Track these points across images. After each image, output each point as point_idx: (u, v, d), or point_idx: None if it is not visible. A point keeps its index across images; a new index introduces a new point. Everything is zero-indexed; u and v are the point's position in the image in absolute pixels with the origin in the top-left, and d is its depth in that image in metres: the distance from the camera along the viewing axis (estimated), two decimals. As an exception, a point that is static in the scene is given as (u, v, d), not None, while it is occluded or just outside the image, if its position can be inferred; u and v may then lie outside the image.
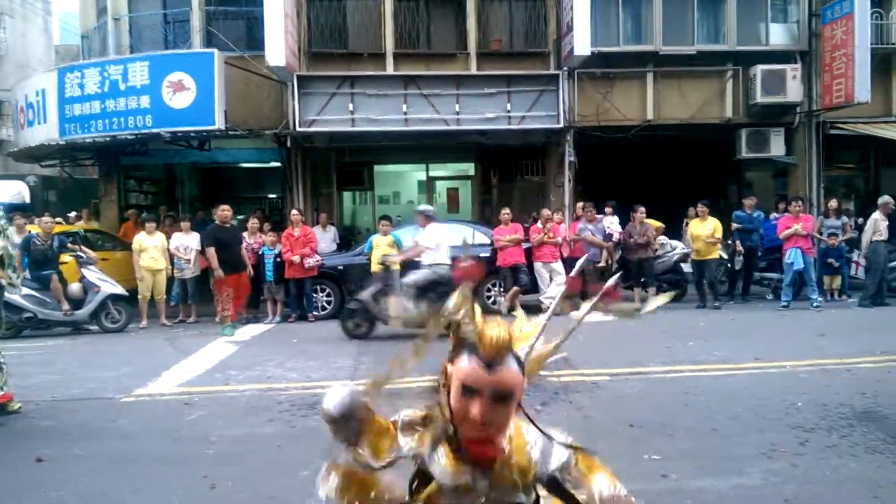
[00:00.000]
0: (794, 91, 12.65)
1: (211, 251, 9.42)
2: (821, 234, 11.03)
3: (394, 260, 8.86)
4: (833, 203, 11.51)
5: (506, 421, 2.23)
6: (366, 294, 8.33)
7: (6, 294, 5.57)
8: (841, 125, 13.48)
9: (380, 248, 10.22)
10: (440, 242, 8.37)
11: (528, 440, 2.19)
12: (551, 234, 10.36)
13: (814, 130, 13.57)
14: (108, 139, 11.81)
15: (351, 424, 1.89)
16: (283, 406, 5.20)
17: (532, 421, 2.36)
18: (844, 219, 11.46)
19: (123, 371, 6.66)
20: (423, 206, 9.27)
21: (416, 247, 8.70)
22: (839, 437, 4.14)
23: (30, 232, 9.53)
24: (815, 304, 10.18)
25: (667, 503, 3.22)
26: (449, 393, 2.24)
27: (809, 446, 4.01)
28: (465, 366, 2.15)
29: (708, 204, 10.89)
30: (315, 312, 10.38)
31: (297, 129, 12.06)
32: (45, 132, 12.12)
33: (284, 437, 4.43)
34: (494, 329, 2.21)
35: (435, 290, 7.99)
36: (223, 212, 9.63)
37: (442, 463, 2.17)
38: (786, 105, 12.92)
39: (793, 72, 12.64)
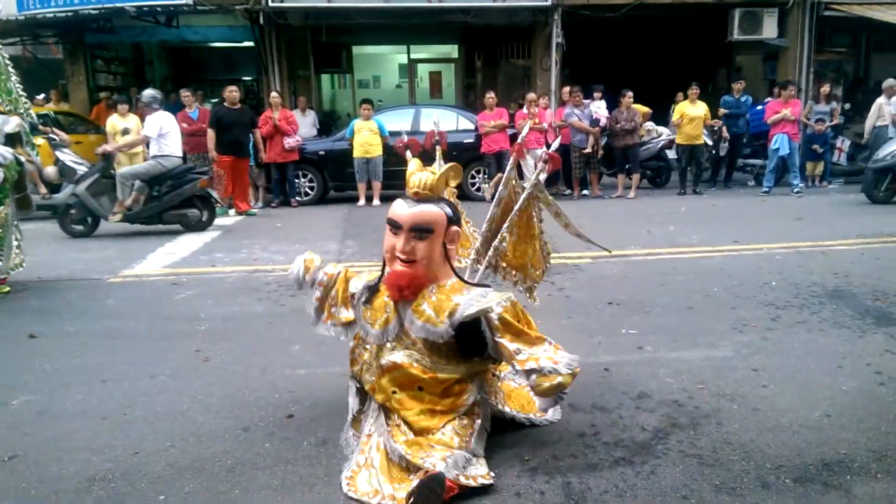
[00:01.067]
0: (790, -33, 12.13)
1: (210, 132, 9.28)
2: (808, 119, 10.96)
3: (108, 149, 8.19)
4: (825, 88, 11.31)
5: (425, 256, 2.62)
6: (81, 188, 7.61)
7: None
8: (836, 6, 13.07)
9: (361, 133, 10.04)
10: (168, 132, 7.86)
11: (461, 292, 2.49)
12: (537, 120, 10.18)
13: (808, 11, 13.14)
14: (69, 14, 11.11)
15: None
16: (270, 287, 5.28)
17: (458, 275, 2.67)
18: (833, 104, 11.34)
19: (108, 253, 6.65)
20: (147, 92, 8.33)
21: (139, 138, 8.45)
22: (809, 314, 4.33)
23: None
24: (796, 189, 10.30)
25: (641, 373, 3.39)
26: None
27: (780, 322, 4.19)
28: (394, 206, 2.61)
29: (699, 85, 10.70)
30: (297, 198, 10.32)
31: (270, 3, 11.41)
32: (2, 6, 11.34)
33: (274, 316, 4.53)
34: (420, 174, 2.60)
35: (161, 183, 7.74)
36: (230, 93, 9.43)
37: (367, 301, 2.69)
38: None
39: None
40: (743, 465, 2.47)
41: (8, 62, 5.36)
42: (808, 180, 11.09)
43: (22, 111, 5.44)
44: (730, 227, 7.64)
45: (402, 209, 2.59)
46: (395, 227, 2.59)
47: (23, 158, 5.32)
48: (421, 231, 2.55)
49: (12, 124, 5.25)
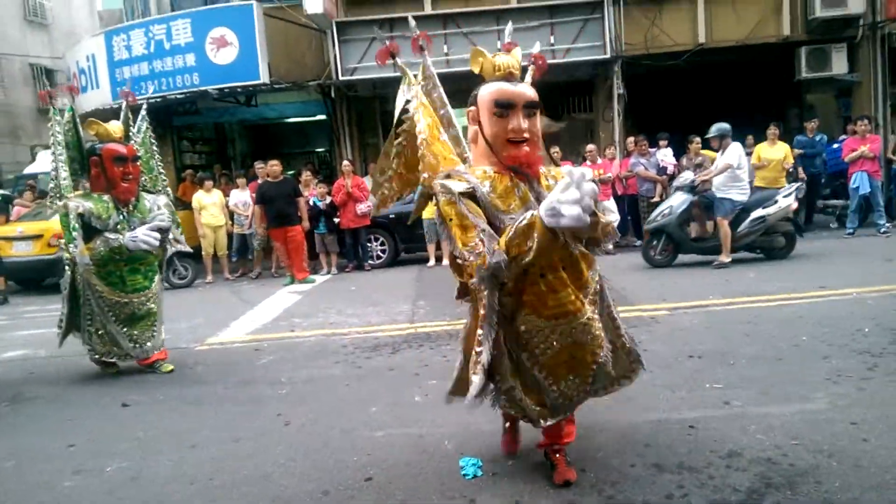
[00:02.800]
0: (856, 2, 11.79)
1: (257, 209, 9.76)
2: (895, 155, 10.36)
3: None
4: None
5: (536, 133, 2.59)
6: None
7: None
8: (910, 39, 12.59)
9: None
10: None
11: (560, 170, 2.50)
12: (601, 172, 10.17)
13: (878, 44, 12.68)
14: (158, 100, 12.05)
15: None
16: (347, 349, 5.40)
17: (553, 160, 2.67)
18: None
19: (195, 322, 6.99)
20: None
21: None
22: (909, 361, 4.05)
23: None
24: (882, 229, 9.76)
25: (730, 429, 3.23)
26: (481, 130, 2.67)
27: (878, 370, 3.93)
28: (491, 88, 2.60)
29: (779, 125, 10.36)
30: (370, 261, 10.58)
31: (340, 77, 12.03)
32: (99, 97, 12.44)
33: (351, 377, 4.62)
34: (503, 57, 2.59)
35: None
36: (272, 167, 9.78)
37: (488, 185, 2.58)
38: (848, 18, 12.06)
39: (855, -18, 11.78)
40: (848, 528, 2.31)
41: (153, 140, 5.56)
42: (898, 218, 10.47)
43: (160, 188, 5.51)
44: (814, 271, 7.29)
45: (510, 88, 2.59)
46: (506, 107, 2.57)
47: (170, 237, 5.30)
48: (532, 107, 2.60)
49: (161, 204, 5.24)
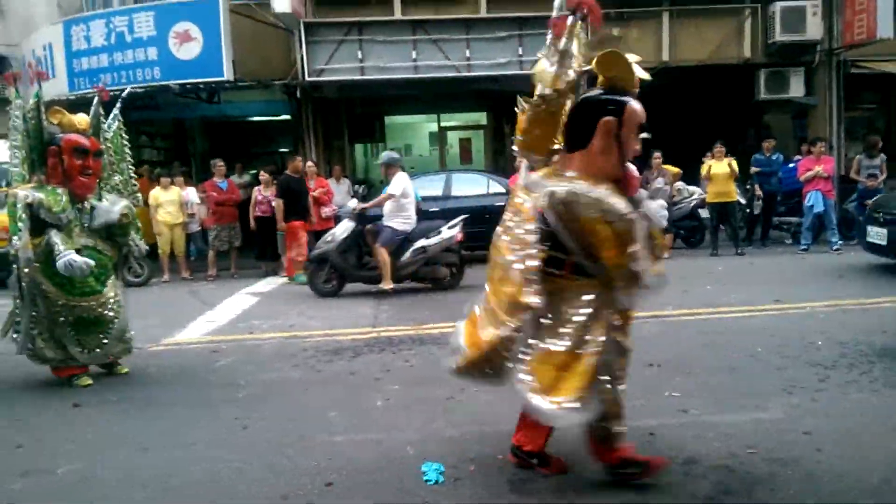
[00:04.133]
0: (814, 28, 12.27)
1: (279, 202, 9.51)
2: (858, 174, 10.61)
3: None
4: (875, 140, 10.85)
5: None
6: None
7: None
8: (862, 63, 13.12)
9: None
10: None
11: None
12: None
13: (834, 69, 13.21)
14: (117, 93, 11.72)
15: None
16: (307, 352, 5.31)
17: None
18: (883, 157, 10.67)
19: (150, 322, 6.78)
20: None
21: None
22: (859, 374, 4.18)
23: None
24: (834, 246, 10.11)
25: (688, 437, 3.28)
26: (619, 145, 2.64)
27: (830, 382, 4.05)
28: (639, 107, 2.65)
29: (723, 143, 10.68)
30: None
31: (306, 78, 11.90)
32: (55, 87, 12.03)
33: (311, 382, 4.54)
34: (638, 70, 2.64)
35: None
36: (297, 162, 9.80)
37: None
38: (806, 43, 12.54)
39: (813, 8, 12.23)
40: (802, 534, 2.36)
41: (126, 142, 5.27)
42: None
43: (128, 192, 5.19)
44: (769, 285, 7.49)
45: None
46: (642, 129, 2.68)
47: (130, 241, 4.96)
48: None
49: (120, 206, 4.86)
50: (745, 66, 12.86)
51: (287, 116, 13.70)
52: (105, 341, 4.76)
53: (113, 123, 5.20)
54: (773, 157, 11.22)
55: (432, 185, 10.72)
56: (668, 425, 3.46)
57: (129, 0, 12.91)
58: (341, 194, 11.53)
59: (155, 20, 11.22)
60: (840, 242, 10.26)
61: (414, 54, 11.95)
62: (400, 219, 7.91)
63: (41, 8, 23.21)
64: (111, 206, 4.79)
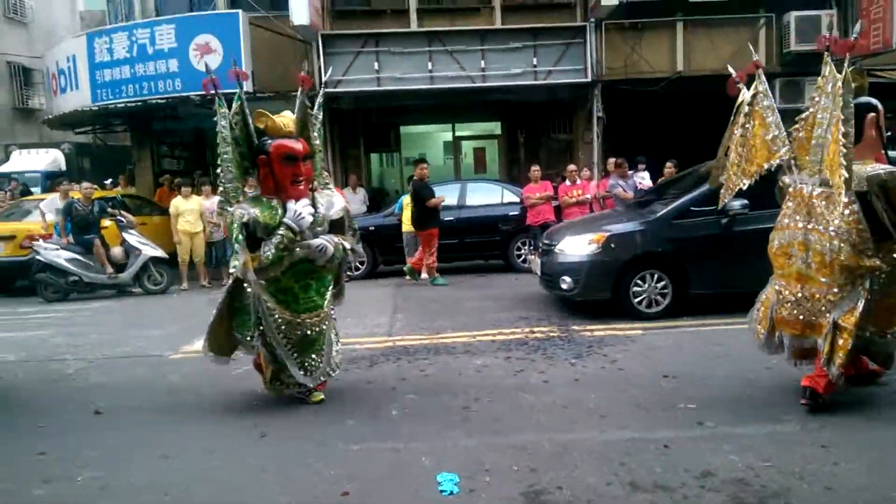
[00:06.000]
0: (830, 37, 12.22)
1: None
2: None
3: None
4: None
5: None
6: None
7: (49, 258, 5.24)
8: (878, 73, 13.01)
9: (409, 208, 10.29)
10: None
11: None
12: (580, 192, 10.31)
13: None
14: (139, 104, 11.94)
15: None
16: (323, 361, 5.35)
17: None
18: None
19: (169, 330, 6.88)
20: None
21: None
22: (878, 387, 4.15)
23: (71, 198, 9.78)
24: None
25: (703, 449, 3.29)
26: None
27: (847, 395, 4.03)
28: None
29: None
30: (349, 273, 10.53)
31: (324, 89, 12.03)
32: (78, 99, 12.28)
33: (328, 390, 4.57)
34: None
35: None
36: (422, 170, 9.75)
37: None
38: (821, 53, 12.46)
39: (828, 18, 12.15)
40: (818, 548, 2.36)
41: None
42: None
43: (321, 186, 4.64)
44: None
45: None
46: None
47: (348, 245, 4.49)
48: None
49: (338, 207, 4.51)
50: (761, 75, 12.81)
51: (304, 127, 13.84)
52: (324, 360, 4.39)
53: (319, 114, 4.76)
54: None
55: (447, 195, 10.73)
56: (684, 438, 3.47)
57: (151, 12, 13.14)
58: (357, 203, 11.64)
59: (176, 32, 11.43)
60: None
61: (429, 65, 12.06)
62: None
63: (64, 21, 23.78)
64: (326, 211, 4.41)
